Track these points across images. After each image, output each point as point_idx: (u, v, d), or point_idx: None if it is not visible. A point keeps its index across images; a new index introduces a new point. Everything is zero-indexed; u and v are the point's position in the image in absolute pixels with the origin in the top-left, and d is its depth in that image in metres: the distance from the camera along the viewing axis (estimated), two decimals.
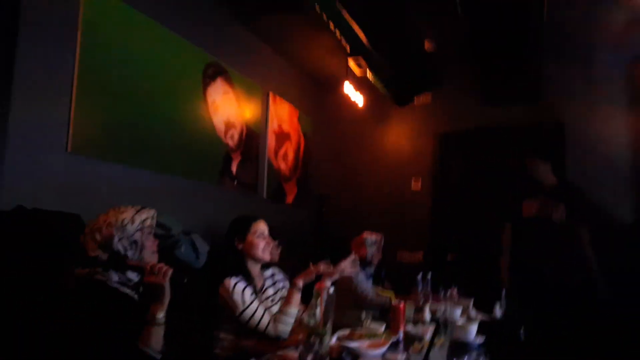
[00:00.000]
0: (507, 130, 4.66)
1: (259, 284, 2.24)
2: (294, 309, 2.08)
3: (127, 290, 1.63)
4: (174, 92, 3.17)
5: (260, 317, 2.05)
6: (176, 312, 1.61)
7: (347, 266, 2.27)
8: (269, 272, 2.37)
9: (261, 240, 2.23)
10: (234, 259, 2.21)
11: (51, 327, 1.54)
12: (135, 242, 1.62)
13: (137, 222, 1.65)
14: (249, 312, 2.05)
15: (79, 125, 2.49)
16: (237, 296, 2.05)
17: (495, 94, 4.48)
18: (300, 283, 2.11)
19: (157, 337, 1.51)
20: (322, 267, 2.18)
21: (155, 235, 2.44)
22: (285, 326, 2.05)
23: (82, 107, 2.51)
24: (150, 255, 1.65)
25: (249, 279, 2.17)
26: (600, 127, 4.32)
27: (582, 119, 4.37)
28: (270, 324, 2.05)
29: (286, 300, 2.11)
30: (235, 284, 2.07)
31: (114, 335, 1.47)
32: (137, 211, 1.68)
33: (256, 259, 2.23)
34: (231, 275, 2.10)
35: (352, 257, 2.31)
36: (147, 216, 1.68)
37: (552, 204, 3.32)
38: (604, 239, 3.52)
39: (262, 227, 2.27)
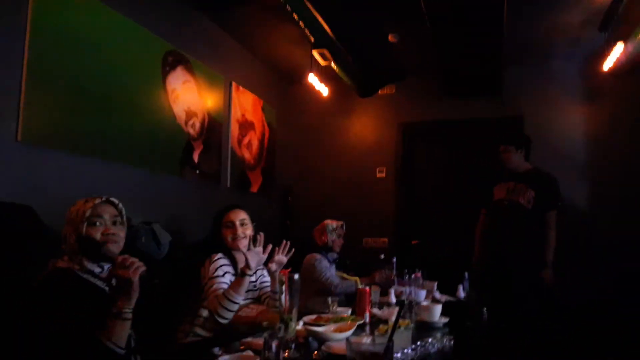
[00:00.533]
0: (468, 122, 4.77)
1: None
2: (238, 296, 2.04)
3: (98, 282, 1.57)
4: (132, 81, 3.06)
5: (215, 289, 2.10)
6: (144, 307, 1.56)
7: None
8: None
9: (228, 230, 2.34)
10: (219, 245, 2.33)
11: (16, 318, 1.47)
12: (79, 234, 1.55)
13: (80, 213, 1.56)
14: (213, 281, 2.13)
15: (30, 115, 2.37)
16: (213, 265, 2.19)
17: (456, 88, 4.58)
18: (247, 271, 2.08)
19: (121, 332, 1.45)
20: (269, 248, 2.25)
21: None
22: (225, 311, 2.03)
23: (32, 96, 2.38)
24: (100, 248, 1.56)
25: (233, 263, 2.29)
26: (556, 119, 4.49)
27: (540, 112, 4.53)
28: (213, 299, 2.06)
29: (232, 285, 2.09)
30: (220, 258, 2.23)
31: (80, 327, 1.41)
32: (85, 202, 1.60)
33: (232, 249, 2.33)
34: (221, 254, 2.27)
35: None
36: (89, 206, 1.58)
37: (521, 189, 3.41)
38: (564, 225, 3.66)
39: (231, 216, 2.36)
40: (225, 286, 2.12)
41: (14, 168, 2.33)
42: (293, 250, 2.36)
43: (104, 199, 1.62)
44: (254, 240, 2.23)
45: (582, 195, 4.32)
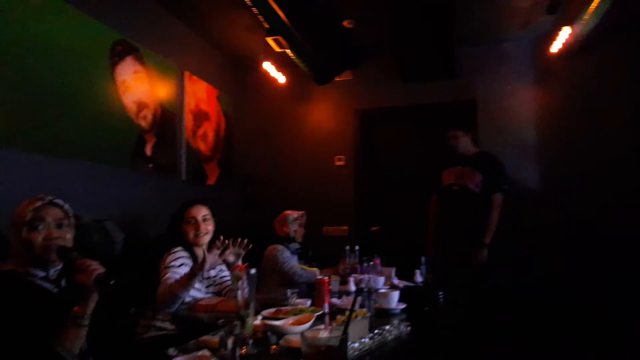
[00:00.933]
0: (424, 106, 4.84)
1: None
2: (183, 292, 2.05)
3: (46, 284, 1.51)
4: (78, 72, 2.92)
5: (167, 278, 2.11)
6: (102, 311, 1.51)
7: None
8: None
9: (190, 226, 2.34)
10: (180, 243, 2.32)
11: None
12: (20, 238, 1.49)
13: (21, 217, 1.50)
14: (166, 271, 2.15)
15: None
16: (172, 256, 2.21)
17: (412, 72, 4.62)
18: (196, 269, 2.07)
19: (75, 339, 1.39)
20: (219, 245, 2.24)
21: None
22: (166, 303, 2.06)
23: None
24: (41, 249, 1.49)
25: (195, 260, 2.28)
26: (508, 102, 4.62)
27: (492, 95, 4.64)
28: (160, 289, 2.09)
29: (179, 281, 2.08)
30: (180, 251, 2.25)
31: (28, 331, 1.36)
32: (28, 204, 1.52)
33: (194, 245, 2.34)
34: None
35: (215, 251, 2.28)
36: (28, 210, 1.50)
37: (468, 173, 3.49)
38: (515, 207, 3.79)
39: (193, 212, 2.36)
40: (178, 277, 2.11)
41: None
42: (251, 245, 2.35)
43: (47, 200, 1.55)
44: (210, 242, 2.30)
45: (533, 178, 4.47)
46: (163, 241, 2.37)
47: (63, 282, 1.57)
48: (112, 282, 1.42)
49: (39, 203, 1.52)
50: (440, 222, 3.68)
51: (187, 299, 2.15)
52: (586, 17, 3.44)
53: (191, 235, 2.32)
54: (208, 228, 2.35)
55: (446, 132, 3.64)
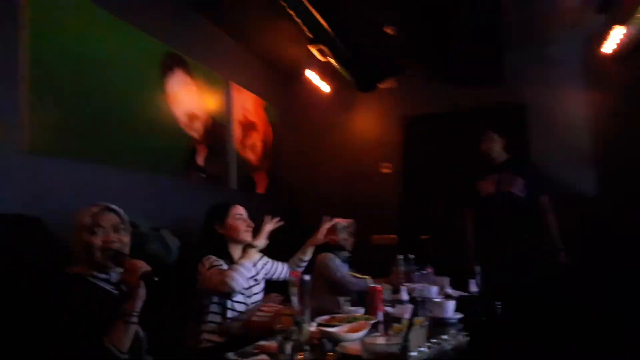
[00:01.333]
0: (472, 112, 4.73)
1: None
2: (249, 265, 2.12)
3: (108, 287, 1.59)
4: (131, 85, 3.05)
5: (210, 267, 2.11)
6: (153, 311, 1.58)
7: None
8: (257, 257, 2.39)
9: (241, 222, 2.30)
10: (216, 243, 2.26)
11: (28, 324, 1.49)
12: (82, 242, 1.57)
13: (80, 223, 1.59)
14: (214, 265, 2.13)
15: (35, 124, 2.36)
16: (207, 262, 2.15)
17: (457, 77, 4.53)
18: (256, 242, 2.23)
19: (123, 335, 1.46)
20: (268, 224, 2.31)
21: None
22: (235, 277, 2.06)
23: (34, 105, 2.37)
24: (102, 252, 1.58)
25: (230, 262, 2.22)
26: (559, 106, 4.45)
27: (543, 99, 4.48)
28: (215, 273, 2.08)
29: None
30: (212, 258, 2.16)
31: (92, 331, 1.43)
32: (86, 210, 1.63)
33: (239, 241, 2.29)
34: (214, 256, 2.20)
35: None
36: (86, 215, 1.61)
37: (509, 178, 3.38)
38: (570, 212, 3.62)
39: (240, 210, 2.34)
40: (220, 266, 2.13)
41: (21, 178, 2.32)
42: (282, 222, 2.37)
43: (103, 206, 1.65)
44: None
45: (589, 182, 4.28)
46: (200, 245, 2.34)
47: (124, 286, 1.64)
48: (156, 279, 1.51)
49: (96, 209, 1.62)
50: (486, 234, 3.51)
51: (231, 314, 2.13)
52: (639, 15, 3.29)
53: (242, 230, 2.28)
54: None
55: (481, 135, 3.55)
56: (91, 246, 1.57)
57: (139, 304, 1.50)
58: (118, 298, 1.59)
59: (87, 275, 1.57)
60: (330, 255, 3.18)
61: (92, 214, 1.60)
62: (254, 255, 2.25)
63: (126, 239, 1.65)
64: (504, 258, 3.35)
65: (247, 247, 2.30)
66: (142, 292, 1.50)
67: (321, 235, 2.43)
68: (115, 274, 1.62)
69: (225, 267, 2.17)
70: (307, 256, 2.66)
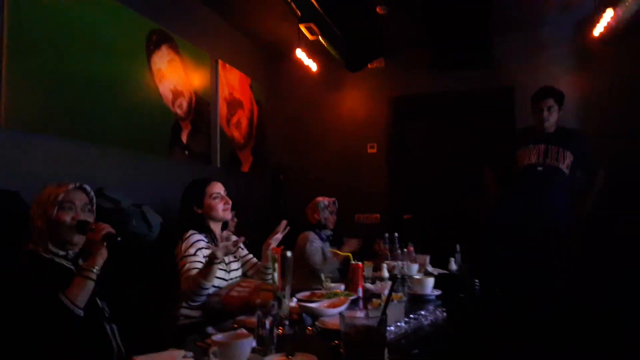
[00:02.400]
0: (459, 94, 4.75)
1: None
2: (206, 282, 1.91)
3: (63, 262, 1.60)
4: (116, 61, 2.99)
5: (188, 269, 2.01)
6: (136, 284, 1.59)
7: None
8: (226, 234, 2.39)
9: (219, 201, 2.25)
10: (195, 222, 2.22)
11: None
12: (48, 217, 1.57)
13: (52, 197, 1.59)
14: (185, 260, 2.04)
15: (12, 99, 2.31)
16: (186, 243, 2.09)
17: (447, 60, 4.51)
18: (219, 254, 1.92)
19: (80, 291, 1.48)
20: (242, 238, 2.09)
21: (105, 209, 2.36)
22: (196, 296, 1.93)
23: (13, 80, 2.32)
24: (69, 229, 1.58)
25: (212, 238, 2.22)
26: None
27: (531, 81, 4.47)
28: (183, 282, 1.99)
29: (201, 272, 1.95)
30: (193, 234, 2.13)
31: (49, 305, 1.43)
32: (57, 186, 1.63)
33: (217, 220, 2.26)
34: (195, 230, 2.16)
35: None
36: (62, 191, 1.61)
37: (557, 152, 3.13)
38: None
39: (217, 187, 2.28)
40: (199, 265, 2.02)
41: (1, 154, 2.28)
42: (288, 228, 2.32)
43: (77, 185, 1.66)
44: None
45: None
46: (180, 223, 2.27)
47: (80, 262, 1.65)
48: (119, 239, 1.57)
49: (70, 186, 1.64)
50: (515, 205, 3.20)
51: (212, 289, 2.02)
52: None
53: (220, 210, 2.23)
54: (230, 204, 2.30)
55: (538, 100, 3.18)
56: (59, 222, 1.57)
57: (99, 261, 1.53)
58: (74, 273, 1.59)
59: (43, 252, 1.57)
60: (310, 236, 3.19)
61: (65, 191, 1.61)
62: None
63: (91, 219, 1.67)
64: (522, 236, 3.11)
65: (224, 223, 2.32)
66: (103, 251, 1.55)
67: (273, 240, 2.27)
68: (73, 252, 1.64)
69: (203, 243, 2.13)
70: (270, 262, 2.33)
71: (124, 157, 3.03)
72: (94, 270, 1.52)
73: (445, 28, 4.00)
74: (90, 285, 1.51)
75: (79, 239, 1.62)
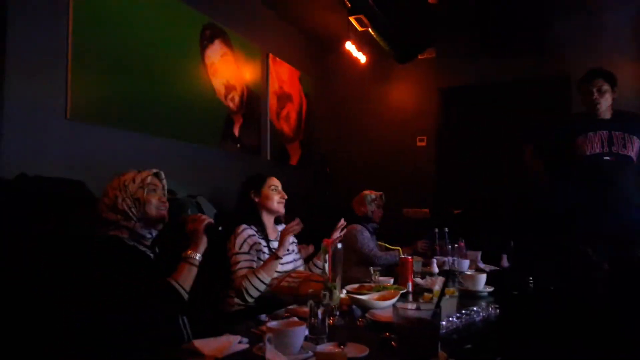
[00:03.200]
0: (512, 83, 4.58)
1: (272, 235, 2.32)
2: (267, 277, 2.01)
3: (143, 248, 1.66)
4: (172, 55, 3.10)
5: (241, 267, 2.08)
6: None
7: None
8: (281, 227, 2.42)
9: (276, 193, 2.34)
10: (250, 210, 2.31)
11: (70, 288, 1.60)
12: (137, 199, 1.63)
13: (137, 180, 1.66)
14: (238, 257, 2.11)
15: (77, 92, 2.46)
16: (239, 239, 2.16)
17: (498, 46, 4.35)
18: (280, 252, 2.06)
19: (187, 275, 1.58)
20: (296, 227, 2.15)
21: None
22: (254, 290, 1.99)
23: (79, 74, 2.46)
24: (157, 210, 1.66)
25: (263, 229, 2.28)
26: None
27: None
28: (239, 278, 2.04)
29: (262, 265, 2.07)
30: (245, 229, 2.20)
31: (134, 291, 1.49)
32: (139, 172, 1.70)
33: (271, 211, 2.34)
34: (246, 224, 2.23)
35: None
36: (148, 174, 1.70)
37: (622, 138, 2.86)
38: None
39: (276, 182, 2.38)
40: (249, 264, 2.10)
41: (65, 145, 2.43)
42: (345, 230, 2.31)
43: (155, 171, 1.74)
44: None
45: None
46: (236, 214, 2.35)
47: (157, 249, 1.72)
48: (220, 228, 1.68)
49: (155, 170, 1.73)
50: (577, 199, 2.90)
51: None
52: None
53: (275, 201, 2.31)
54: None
55: (586, 82, 2.93)
56: (148, 203, 1.64)
57: (201, 249, 1.64)
58: (154, 261, 1.66)
59: (124, 237, 1.63)
60: (359, 227, 3.21)
61: (154, 174, 1.71)
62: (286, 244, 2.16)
63: (161, 199, 1.73)
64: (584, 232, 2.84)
65: (277, 220, 2.38)
66: (205, 240, 1.65)
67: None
68: (151, 236, 1.69)
69: (255, 238, 2.19)
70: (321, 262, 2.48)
71: (179, 148, 3.15)
72: (197, 257, 1.62)
73: (496, 12, 3.87)
74: (194, 271, 1.61)
75: (161, 225, 1.69)
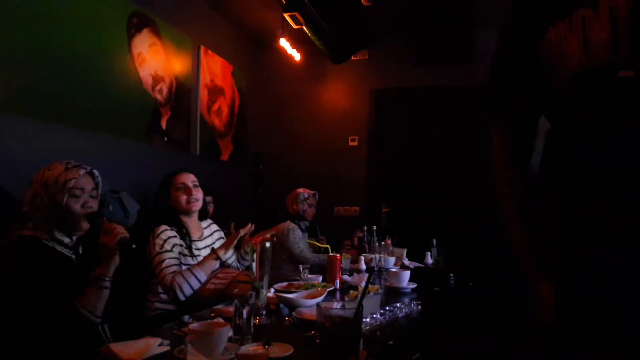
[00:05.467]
0: (440, 89, 4.78)
1: (196, 234, 2.25)
2: (204, 275, 1.97)
3: (65, 251, 1.55)
4: (96, 43, 2.92)
5: (167, 265, 1.99)
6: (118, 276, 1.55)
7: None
8: (206, 223, 2.38)
9: (181, 192, 2.21)
10: (166, 214, 2.20)
11: None
12: (56, 203, 1.50)
13: (60, 181, 1.51)
14: (162, 256, 2.01)
15: None
16: (159, 240, 2.06)
17: (427, 53, 4.53)
18: (221, 253, 2.02)
19: (97, 300, 1.45)
20: (242, 231, 2.13)
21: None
22: (187, 286, 1.93)
23: None
24: (77, 217, 1.53)
25: (181, 231, 2.18)
26: None
27: None
28: (169, 275, 1.96)
29: (200, 263, 2.02)
30: (164, 230, 2.10)
31: (51, 294, 1.40)
32: (66, 169, 1.54)
33: (182, 212, 2.22)
34: (166, 224, 2.13)
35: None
36: (74, 175, 1.53)
37: None
38: None
39: (182, 179, 2.25)
40: (175, 261, 2.02)
41: None
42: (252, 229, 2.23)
43: (88, 170, 1.59)
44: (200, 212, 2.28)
45: None
46: (155, 214, 2.27)
47: (80, 249, 1.61)
48: (134, 246, 1.49)
49: (82, 172, 1.56)
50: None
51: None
52: None
53: (183, 202, 2.18)
54: (198, 195, 2.23)
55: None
56: (69, 211, 1.51)
57: (112, 269, 1.48)
58: (76, 263, 1.56)
59: (46, 239, 1.52)
60: (292, 225, 3.22)
61: (76, 177, 1.53)
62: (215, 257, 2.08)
63: (96, 205, 1.61)
64: None
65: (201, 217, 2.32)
66: (116, 258, 1.48)
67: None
68: (70, 238, 1.58)
69: (175, 240, 2.10)
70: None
71: (101, 141, 2.97)
72: (107, 279, 1.47)
73: (426, 21, 4.02)
74: (106, 293, 1.46)
75: (86, 226, 1.56)
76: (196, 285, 1.94)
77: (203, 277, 1.96)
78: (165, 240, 2.06)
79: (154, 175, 3.46)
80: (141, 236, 2.46)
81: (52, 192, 1.50)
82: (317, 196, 3.45)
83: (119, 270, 1.53)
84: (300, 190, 3.40)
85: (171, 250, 2.05)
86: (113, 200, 2.60)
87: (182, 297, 1.92)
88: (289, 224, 3.23)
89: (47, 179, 1.51)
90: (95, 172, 1.62)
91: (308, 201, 3.37)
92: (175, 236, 2.12)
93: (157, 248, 2.03)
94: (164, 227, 2.11)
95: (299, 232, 3.23)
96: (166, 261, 2.01)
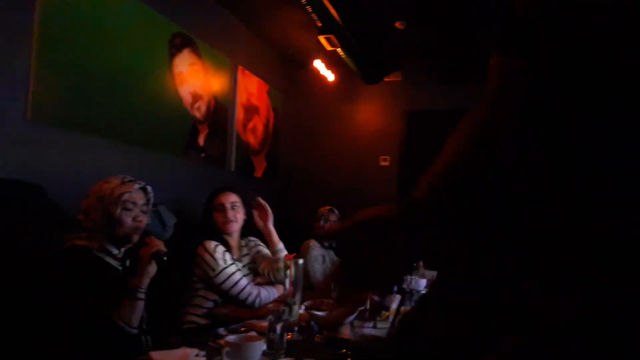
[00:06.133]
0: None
1: (236, 253, 2.32)
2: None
3: (113, 262, 1.61)
4: (139, 62, 3.06)
5: (238, 279, 2.11)
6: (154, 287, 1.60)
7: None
8: (245, 241, 2.45)
9: (219, 213, 2.29)
10: (211, 232, 2.28)
11: (30, 292, 1.51)
12: (109, 215, 1.56)
13: (115, 194, 1.58)
14: (228, 271, 2.11)
15: (39, 93, 2.38)
16: (218, 255, 2.14)
17: (459, 77, 4.54)
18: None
19: (132, 311, 1.48)
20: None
21: None
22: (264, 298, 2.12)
23: (42, 75, 2.39)
24: (128, 230, 1.59)
25: (228, 248, 2.25)
26: None
27: None
28: (249, 285, 2.13)
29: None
30: (217, 245, 2.18)
31: (95, 304, 1.44)
32: (122, 183, 1.62)
33: (221, 232, 2.29)
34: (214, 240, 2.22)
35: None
36: (128, 189, 1.60)
37: None
38: None
39: (221, 199, 2.32)
40: (237, 273, 2.16)
41: (24, 146, 2.35)
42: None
43: (141, 185, 1.66)
44: (243, 230, 2.40)
45: None
46: (198, 229, 2.36)
47: (127, 262, 1.68)
48: (165, 258, 1.53)
49: (136, 186, 1.63)
50: None
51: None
52: None
53: (220, 222, 2.27)
54: (237, 216, 2.30)
55: None
56: (121, 222, 1.57)
57: (146, 281, 1.52)
58: (123, 275, 1.61)
59: (93, 249, 1.57)
60: (312, 243, 3.21)
61: (130, 191, 1.60)
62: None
63: (146, 220, 1.67)
64: None
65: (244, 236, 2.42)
66: (150, 269, 1.52)
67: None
68: (118, 250, 1.64)
69: (225, 256, 2.20)
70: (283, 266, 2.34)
71: (141, 156, 3.10)
72: (141, 290, 1.51)
73: (457, 43, 4.04)
74: (141, 304, 1.50)
75: (135, 239, 1.62)
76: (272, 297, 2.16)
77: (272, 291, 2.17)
78: (222, 255, 2.17)
79: (191, 190, 3.58)
80: (177, 249, 2.54)
81: (107, 203, 1.56)
82: (335, 211, 3.45)
83: (154, 283, 1.58)
84: (322, 209, 3.44)
85: (231, 265, 2.17)
86: (152, 213, 2.68)
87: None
88: (307, 243, 3.24)
89: (103, 191, 1.58)
90: (149, 188, 1.69)
91: (324, 217, 3.40)
92: (225, 250, 2.21)
93: (222, 263, 2.13)
94: (214, 242, 2.19)
95: (317, 251, 3.21)
96: (233, 276, 2.13)
